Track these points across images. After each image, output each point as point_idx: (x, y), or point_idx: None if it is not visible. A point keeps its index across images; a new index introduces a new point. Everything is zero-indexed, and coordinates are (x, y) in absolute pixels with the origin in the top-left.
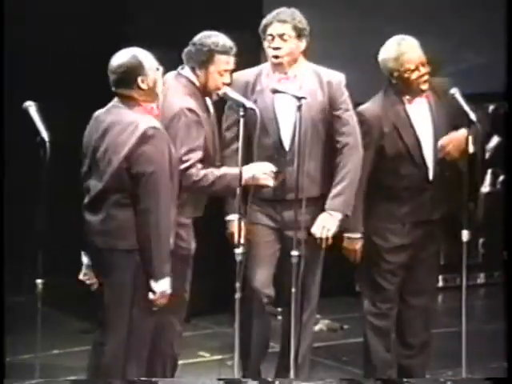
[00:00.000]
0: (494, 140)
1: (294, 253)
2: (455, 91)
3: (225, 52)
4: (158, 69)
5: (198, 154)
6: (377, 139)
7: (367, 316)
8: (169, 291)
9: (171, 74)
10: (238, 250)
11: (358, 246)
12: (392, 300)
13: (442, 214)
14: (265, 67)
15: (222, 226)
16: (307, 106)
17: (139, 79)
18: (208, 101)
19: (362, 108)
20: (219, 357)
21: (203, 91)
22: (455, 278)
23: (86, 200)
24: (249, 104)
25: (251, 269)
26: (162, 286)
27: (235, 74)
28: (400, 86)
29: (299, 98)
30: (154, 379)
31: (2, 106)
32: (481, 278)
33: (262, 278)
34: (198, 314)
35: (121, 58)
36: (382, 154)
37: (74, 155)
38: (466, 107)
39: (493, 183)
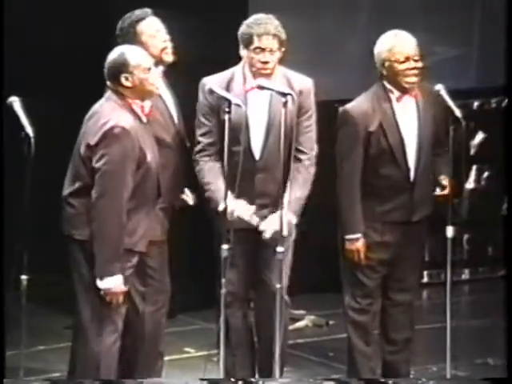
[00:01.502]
0: (479, 136)
1: (280, 249)
2: (440, 88)
3: (142, 18)
4: (147, 69)
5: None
6: (363, 137)
7: (347, 310)
8: (117, 289)
9: None
10: (225, 246)
11: (360, 245)
12: (372, 296)
13: (422, 216)
14: (236, 73)
15: (208, 222)
16: (279, 113)
17: (122, 77)
18: (161, 83)
19: (348, 106)
20: (205, 353)
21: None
22: (440, 274)
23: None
24: (235, 100)
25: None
26: (106, 284)
27: (206, 79)
28: (390, 78)
29: (285, 95)
30: (139, 380)
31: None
32: (465, 274)
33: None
34: (185, 310)
35: (112, 53)
36: (366, 152)
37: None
38: (451, 104)
39: (477, 179)
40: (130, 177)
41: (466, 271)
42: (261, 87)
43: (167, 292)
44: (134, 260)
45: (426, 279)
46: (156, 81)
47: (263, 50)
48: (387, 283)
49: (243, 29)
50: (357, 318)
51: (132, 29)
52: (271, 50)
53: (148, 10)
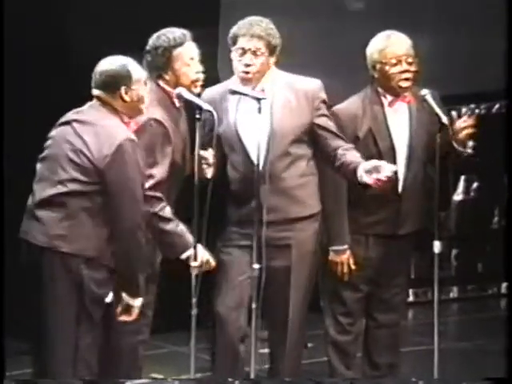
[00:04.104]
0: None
1: (256, 266)
2: (426, 93)
3: (180, 43)
4: (145, 83)
5: (162, 171)
6: (351, 142)
7: (328, 330)
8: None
9: None
10: (194, 263)
11: (345, 257)
12: (353, 315)
13: (409, 230)
14: (231, 81)
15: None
16: (280, 119)
17: (123, 89)
18: (182, 110)
19: (337, 108)
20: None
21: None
22: (426, 292)
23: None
24: (205, 106)
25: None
26: (139, 302)
27: (204, 93)
28: (381, 81)
29: (259, 100)
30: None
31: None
32: (454, 292)
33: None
34: (153, 332)
35: (111, 62)
36: None
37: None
38: (438, 109)
39: (466, 191)
40: (141, 192)
41: (455, 289)
42: (232, 92)
43: (149, 323)
44: None
45: (411, 298)
46: (147, 97)
47: (245, 51)
48: (371, 302)
49: (233, 29)
50: (337, 339)
51: (167, 52)
52: (254, 53)
53: (187, 34)
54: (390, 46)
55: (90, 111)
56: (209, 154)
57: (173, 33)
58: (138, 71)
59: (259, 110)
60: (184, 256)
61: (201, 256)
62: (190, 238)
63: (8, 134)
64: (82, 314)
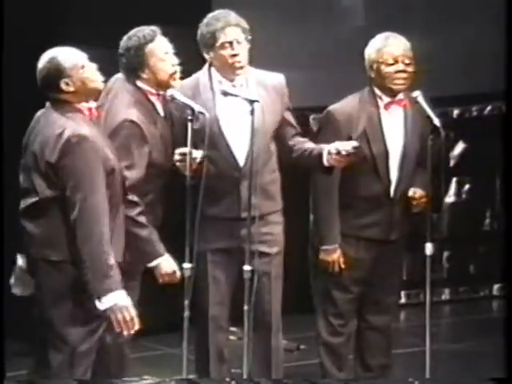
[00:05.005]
0: (459, 147)
1: (247, 267)
2: (418, 94)
3: (151, 40)
4: (83, 66)
5: (138, 173)
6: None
7: (319, 332)
8: (122, 304)
9: (121, 78)
10: (187, 265)
11: (336, 256)
12: (345, 316)
13: (401, 234)
14: (201, 78)
15: (174, 241)
16: (261, 116)
17: (61, 82)
18: (160, 109)
19: (333, 107)
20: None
21: (157, 93)
22: (418, 294)
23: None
24: (197, 107)
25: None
26: (107, 303)
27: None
28: (377, 81)
29: (251, 102)
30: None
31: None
32: (446, 294)
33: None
34: (146, 334)
35: (41, 61)
36: None
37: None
38: (430, 112)
39: (458, 193)
40: (101, 184)
41: (446, 291)
42: (225, 93)
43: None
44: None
45: (403, 300)
46: (96, 75)
47: (230, 43)
48: (363, 304)
49: (202, 30)
50: (329, 340)
51: (140, 51)
52: (238, 42)
53: (157, 29)
54: (388, 46)
55: (43, 115)
56: (198, 154)
57: (142, 31)
58: (69, 58)
59: (252, 112)
60: (152, 264)
61: (169, 266)
62: (161, 247)
63: (8, 133)
64: (86, 315)
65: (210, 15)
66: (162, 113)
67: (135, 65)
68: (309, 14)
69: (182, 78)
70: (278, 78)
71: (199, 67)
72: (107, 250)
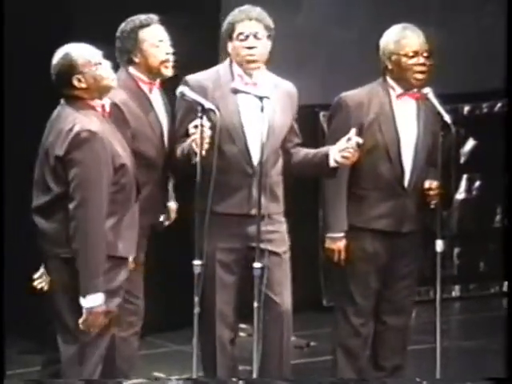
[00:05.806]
0: (470, 143)
1: (257, 265)
2: (428, 91)
3: (146, 25)
4: (97, 64)
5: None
6: (356, 129)
7: (339, 333)
8: (98, 309)
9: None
10: (197, 262)
11: (341, 245)
12: (365, 315)
13: (413, 228)
14: (222, 70)
15: (181, 237)
16: (277, 116)
17: (74, 79)
18: (150, 96)
19: (345, 94)
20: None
21: (149, 82)
22: (429, 291)
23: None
24: (208, 104)
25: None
26: (89, 303)
27: (189, 78)
28: (395, 73)
29: (261, 98)
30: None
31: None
32: (456, 291)
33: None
34: (154, 331)
35: (55, 57)
36: (358, 146)
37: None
38: (440, 108)
39: (468, 189)
40: (106, 181)
41: (457, 288)
42: (235, 91)
43: (141, 314)
44: (125, 271)
45: None
46: (110, 72)
47: (247, 35)
48: (380, 304)
49: (225, 21)
50: (348, 342)
51: (133, 34)
52: (256, 36)
53: (154, 17)
54: (407, 38)
55: (58, 111)
56: (209, 132)
57: (139, 17)
58: (82, 55)
59: (262, 109)
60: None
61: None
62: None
63: (8, 133)
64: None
65: (237, 9)
66: (157, 105)
67: (129, 47)
68: (320, 11)
69: (177, 68)
70: (290, 86)
71: (207, 58)
72: (102, 248)
